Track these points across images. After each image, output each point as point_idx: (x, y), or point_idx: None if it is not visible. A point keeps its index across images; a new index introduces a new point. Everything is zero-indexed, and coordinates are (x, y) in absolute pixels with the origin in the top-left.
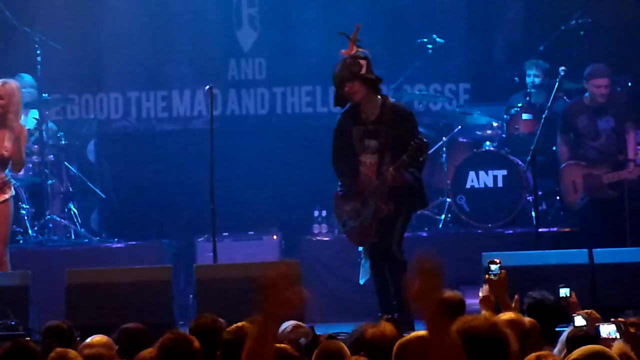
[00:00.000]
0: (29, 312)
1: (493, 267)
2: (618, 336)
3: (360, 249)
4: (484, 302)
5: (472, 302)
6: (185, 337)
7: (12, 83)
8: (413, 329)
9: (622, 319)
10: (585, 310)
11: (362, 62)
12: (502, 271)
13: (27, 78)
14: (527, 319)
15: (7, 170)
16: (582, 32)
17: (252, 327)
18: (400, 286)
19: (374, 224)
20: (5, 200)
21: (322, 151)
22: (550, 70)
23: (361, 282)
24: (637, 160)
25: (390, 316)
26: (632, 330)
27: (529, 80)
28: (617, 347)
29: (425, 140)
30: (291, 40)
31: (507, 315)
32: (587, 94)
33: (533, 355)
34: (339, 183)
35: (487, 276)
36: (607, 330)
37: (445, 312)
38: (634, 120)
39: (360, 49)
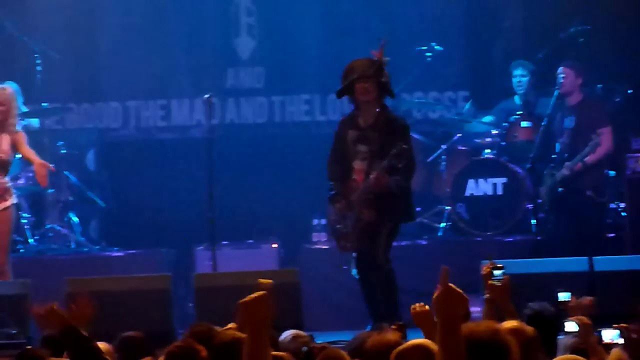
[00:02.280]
0: (29, 321)
1: (497, 272)
2: (622, 341)
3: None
4: (486, 301)
5: (472, 309)
6: (192, 346)
7: (10, 88)
8: (406, 337)
9: (625, 325)
10: (577, 317)
11: (387, 73)
12: (506, 276)
13: (13, 86)
14: (529, 328)
15: (7, 177)
16: (581, 39)
17: (245, 340)
18: (388, 294)
19: (356, 231)
20: (7, 208)
21: (320, 159)
22: (536, 71)
23: (353, 272)
24: (637, 168)
25: (400, 323)
26: (634, 336)
27: (515, 80)
28: (614, 354)
29: (405, 147)
30: (289, 49)
31: (510, 324)
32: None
33: None
34: (330, 185)
35: (490, 282)
36: (610, 335)
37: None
38: (634, 129)
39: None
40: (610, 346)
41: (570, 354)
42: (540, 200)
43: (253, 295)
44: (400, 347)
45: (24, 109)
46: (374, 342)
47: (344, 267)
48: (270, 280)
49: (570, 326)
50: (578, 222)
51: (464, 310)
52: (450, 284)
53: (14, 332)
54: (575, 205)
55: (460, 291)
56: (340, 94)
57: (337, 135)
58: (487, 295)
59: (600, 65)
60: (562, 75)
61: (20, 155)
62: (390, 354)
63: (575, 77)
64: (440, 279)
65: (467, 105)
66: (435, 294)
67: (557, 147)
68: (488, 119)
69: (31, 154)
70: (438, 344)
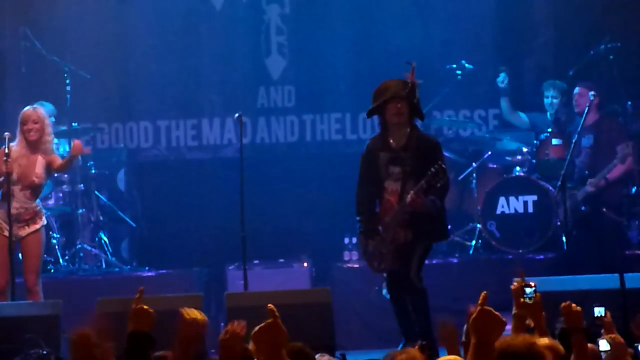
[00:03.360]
0: (61, 342)
1: (528, 290)
2: None
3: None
4: (516, 321)
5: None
6: None
7: (41, 108)
8: (437, 355)
9: None
10: (610, 335)
11: (418, 96)
12: (537, 294)
13: (49, 106)
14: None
15: (37, 200)
16: (611, 57)
17: None
18: (420, 313)
19: (392, 250)
20: (37, 230)
21: (351, 178)
22: (567, 90)
23: (384, 292)
24: None
25: (422, 342)
26: None
27: (547, 101)
28: None
29: (444, 166)
30: (320, 68)
31: (543, 341)
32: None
33: None
34: (357, 219)
35: (522, 299)
36: None
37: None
38: None
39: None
40: None
41: None
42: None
43: (263, 325)
44: None
45: (56, 129)
46: (405, 358)
47: (376, 288)
48: (273, 307)
49: (603, 345)
50: (600, 240)
51: (500, 333)
52: (489, 307)
53: (44, 352)
54: (596, 224)
55: (498, 314)
56: (370, 113)
57: (367, 159)
58: (515, 312)
59: (630, 82)
60: (577, 95)
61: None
62: None
63: (588, 97)
64: (480, 301)
65: (502, 75)
66: (474, 315)
67: (576, 165)
68: (523, 115)
69: (64, 159)
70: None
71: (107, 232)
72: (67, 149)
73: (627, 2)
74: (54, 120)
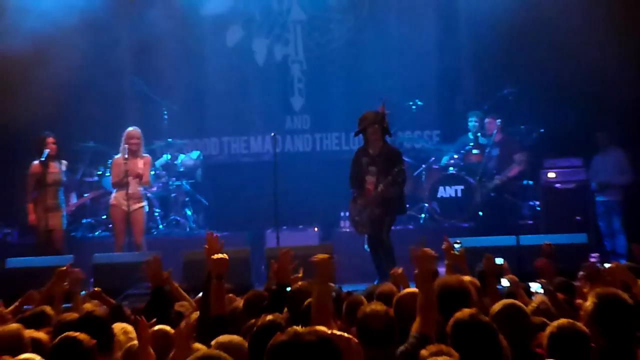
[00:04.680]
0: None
1: (457, 246)
2: (542, 291)
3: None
4: (448, 268)
5: (441, 270)
6: (261, 293)
7: (138, 128)
8: (399, 289)
9: (544, 280)
10: (509, 276)
11: (387, 121)
12: (462, 249)
13: (198, 154)
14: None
15: (140, 187)
16: (510, 97)
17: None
18: (389, 260)
19: (369, 221)
20: (142, 206)
21: (345, 175)
22: (484, 118)
23: (365, 247)
24: (547, 179)
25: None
26: (550, 288)
27: (470, 124)
28: (538, 298)
29: (403, 168)
30: (326, 104)
31: (466, 278)
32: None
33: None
34: (351, 192)
35: (451, 252)
36: (535, 287)
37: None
38: (545, 154)
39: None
40: (536, 294)
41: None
42: (479, 201)
43: (325, 256)
44: (400, 293)
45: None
46: (382, 290)
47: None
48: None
49: (505, 282)
50: (503, 214)
51: (434, 264)
52: (425, 249)
53: (148, 285)
54: (500, 204)
55: (431, 251)
56: (356, 134)
57: (354, 161)
58: (447, 262)
59: (523, 113)
60: (488, 123)
61: (152, 172)
62: (392, 298)
63: (495, 124)
64: (418, 243)
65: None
66: (414, 254)
67: (488, 167)
68: (449, 148)
69: (147, 177)
70: (417, 287)
71: (190, 208)
72: (168, 157)
73: (522, 61)
74: (200, 155)
